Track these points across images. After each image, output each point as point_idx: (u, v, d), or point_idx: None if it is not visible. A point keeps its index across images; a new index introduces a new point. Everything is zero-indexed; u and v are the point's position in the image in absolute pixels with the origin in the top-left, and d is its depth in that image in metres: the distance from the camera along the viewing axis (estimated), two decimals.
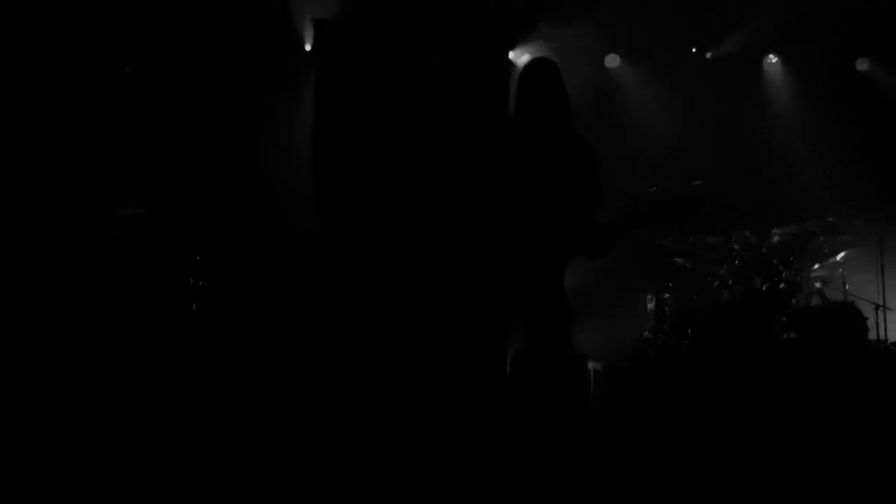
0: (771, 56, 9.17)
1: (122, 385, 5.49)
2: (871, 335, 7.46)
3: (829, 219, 7.94)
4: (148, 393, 5.48)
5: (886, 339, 7.48)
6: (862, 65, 9.17)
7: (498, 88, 8.14)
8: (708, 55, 9.09)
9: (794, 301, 7.63)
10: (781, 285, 7.67)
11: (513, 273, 3.83)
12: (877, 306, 7.60)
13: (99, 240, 6.06)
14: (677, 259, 7.99)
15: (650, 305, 7.99)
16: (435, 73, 7.89)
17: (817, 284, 8.00)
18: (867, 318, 7.36)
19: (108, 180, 6.47)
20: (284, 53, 7.64)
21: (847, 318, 7.30)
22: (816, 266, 8.07)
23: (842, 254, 8.03)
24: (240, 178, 7.19)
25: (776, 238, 7.95)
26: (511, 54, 8.58)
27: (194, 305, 6.07)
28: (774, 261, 7.71)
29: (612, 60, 9.02)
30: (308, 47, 7.88)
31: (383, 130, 7.81)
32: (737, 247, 7.82)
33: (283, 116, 7.68)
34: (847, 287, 7.92)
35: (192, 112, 7.01)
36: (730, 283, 7.67)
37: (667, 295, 7.82)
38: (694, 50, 9.09)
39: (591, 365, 7.11)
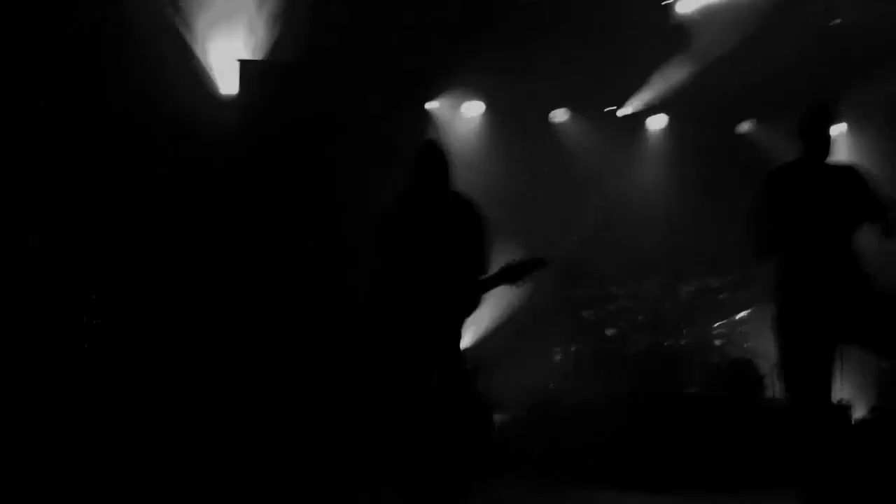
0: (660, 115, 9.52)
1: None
2: (769, 392, 7.63)
3: (729, 277, 8.16)
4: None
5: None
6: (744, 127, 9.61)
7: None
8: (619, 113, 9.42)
9: (694, 357, 7.79)
10: (683, 341, 7.83)
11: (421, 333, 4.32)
12: (775, 364, 7.75)
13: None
14: (584, 312, 8.06)
15: (557, 357, 8.06)
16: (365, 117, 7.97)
17: (717, 342, 8.16)
18: (764, 376, 7.54)
19: (15, 215, 6.27)
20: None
21: (745, 375, 7.46)
22: (717, 323, 8.25)
23: (744, 312, 8.19)
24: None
25: (680, 294, 8.14)
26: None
27: (86, 344, 5.91)
28: (676, 317, 7.88)
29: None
30: (230, 88, 7.88)
31: (307, 174, 7.82)
32: (641, 301, 7.97)
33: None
34: (746, 345, 8.10)
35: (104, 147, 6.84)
36: (634, 338, 7.80)
37: (573, 347, 7.88)
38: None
39: (496, 416, 7.11)
